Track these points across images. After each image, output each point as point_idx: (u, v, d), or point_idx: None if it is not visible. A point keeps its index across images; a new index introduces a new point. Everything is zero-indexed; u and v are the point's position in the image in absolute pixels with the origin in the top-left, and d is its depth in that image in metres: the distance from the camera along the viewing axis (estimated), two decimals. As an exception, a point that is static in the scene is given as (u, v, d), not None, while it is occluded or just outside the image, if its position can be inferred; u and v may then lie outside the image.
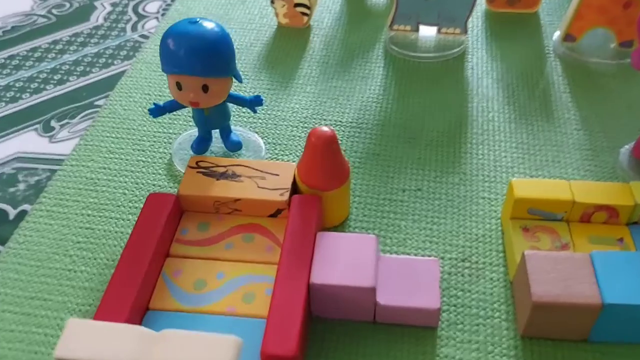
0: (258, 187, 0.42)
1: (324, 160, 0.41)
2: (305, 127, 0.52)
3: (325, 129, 0.40)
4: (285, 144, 0.51)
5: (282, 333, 0.33)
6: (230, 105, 0.48)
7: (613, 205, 0.40)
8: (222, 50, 0.43)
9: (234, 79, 0.45)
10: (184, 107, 0.46)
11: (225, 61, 0.43)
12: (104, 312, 0.35)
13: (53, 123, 0.56)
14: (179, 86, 0.43)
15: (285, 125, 0.53)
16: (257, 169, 0.43)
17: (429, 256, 0.42)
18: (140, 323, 0.36)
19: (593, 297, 0.34)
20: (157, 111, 0.47)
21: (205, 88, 0.43)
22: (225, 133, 0.49)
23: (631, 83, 0.55)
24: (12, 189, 0.48)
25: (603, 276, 0.35)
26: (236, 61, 0.45)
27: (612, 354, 0.36)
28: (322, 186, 0.41)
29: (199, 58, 0.42)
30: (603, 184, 0.41)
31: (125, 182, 0.48)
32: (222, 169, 0.43)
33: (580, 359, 0.36)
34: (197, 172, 0.43)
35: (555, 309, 0.34)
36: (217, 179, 0.43)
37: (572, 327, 0.36)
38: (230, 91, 0.46)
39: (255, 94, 0.53)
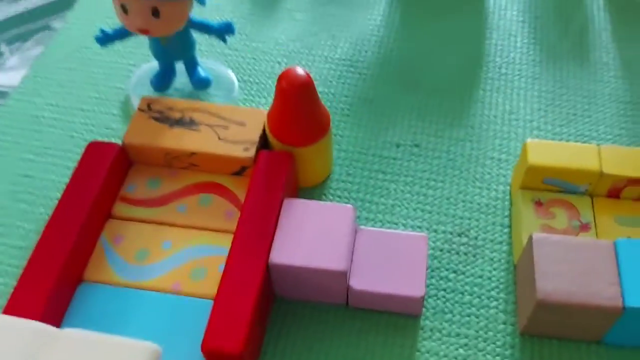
0: (219, 138, 0.35)
1: (297, 111, 0.33)
2: (289, 63, 0.44)
3: (299, 71, 0.33)
4: (264, 83, 0.43)
5: (229, 324, 0.28)
6: (196, 32, 0.40)
7: (651, 179, 0.32)
8: (175, -36, 0.34)
9: (194, 1, 0.37)
10: (136, 34, 0.38)
11: (180, -21, 0.35)
12: (26, 282, 0.30)
13: (3, 47, 0.49)
14: (124, 9, 0.35)
15: (266, 60, 0.45)
16: (219, 116, 0.36)
17: (419, 228, 0.35)
18: (71, 297, 0.31)
19: (612, 299, 0.28)
20: (105, 39, 0.39)
21: (155, 12, 0.35)
22: (191, 66, 0.41)
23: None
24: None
25: (627, 271, 0.28)
26: None
27: (628, 360, 0.30)
28: (295, 141, 0.34)
29: (148, -25, 0.34)
30: (640, 151, 0.33)
31: (74, 122, 0.41)
32: (177, 114, 0.36)
33: (590, 365, 0.30)
34: (149, 116, 0.36)
35: (564, 309, 0.28)
36: (171, 126, 0.36)
37: (583, 329, 0.30)
38: (193, 16, 0.38)
39: (232, 19, 0.44)
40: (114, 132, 0.41)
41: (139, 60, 0.45)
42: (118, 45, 0.45)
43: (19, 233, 0.36)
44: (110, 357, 0.22)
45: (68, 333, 0.23)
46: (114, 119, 0.41)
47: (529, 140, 0.34)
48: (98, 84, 0.43)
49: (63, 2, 0.52)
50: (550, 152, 0.33)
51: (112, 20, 0.48)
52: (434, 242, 0.35)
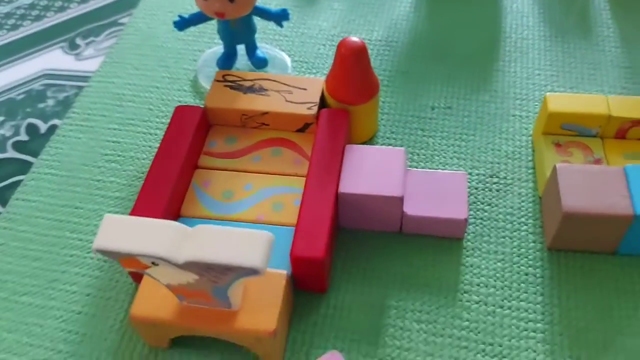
0: (286, 100, 0.42)
1: (353, 72, 0.40)
2: (333, 46, 0.51)
3: (355, 39, 0.39)
4: (312, 62, 0.50)
5: (311, 238, 0.34)
6: (256, 18, 0.47)
7: (651, 121, 0.39)
8: (248, -43, 0.41)
9: (259, -10, 0.44)
10: (210, 19, 0.45)
11: (252, -31, 0.42)
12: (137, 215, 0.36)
13: (78, 41, 0.56)
14: (204, -4, 0.42)
15: (312, 43, 0.51)
16: (284, 83, 0.43)
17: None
18: (171, 229, 0.37)
19: (625, 208, 0.34)
20: (183, 24, 0.46)
21: (231, -2, 0.42)
22: (251, 49, 0.48)
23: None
24: (41, 105, 0.49)
25: (636, 189, 0.35)
26: None
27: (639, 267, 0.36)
28: (351, 100, 0.41)
29: (225, -34, 0.40)
30: (641, 99, 0.40)
31: (151, 98, 0.48)
32: (249, 83, 0.43)
33: (608, 271, 0.36)
34: (224, 85, 0.43)
35: (585, 219, 0.34)
36: (244, 93, 0.42)
37: (600, 239, 0.36)
38: (257, 4, 0.45)
39: (284, 7, 0.51)
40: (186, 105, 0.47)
41: (202, 46, 0.51)
42: (183, 35, 0.52)
43: (114, 186, 0.42)
44: (238, 241, 0.28)
45: (201, 227, 0.29)
46: (185, 94, 0.48)
47: (548, 93, 0.40)
48: (169, 66, 0.50)
49: (129, 1, 0.59)
50: (566, 101, 0.40)
51: (173, 15, 0.55)
52: (470, 182, 0.41)
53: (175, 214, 0.38)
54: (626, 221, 0.34)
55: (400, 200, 0.36)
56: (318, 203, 0.35)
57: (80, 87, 0.51)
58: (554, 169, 0.36)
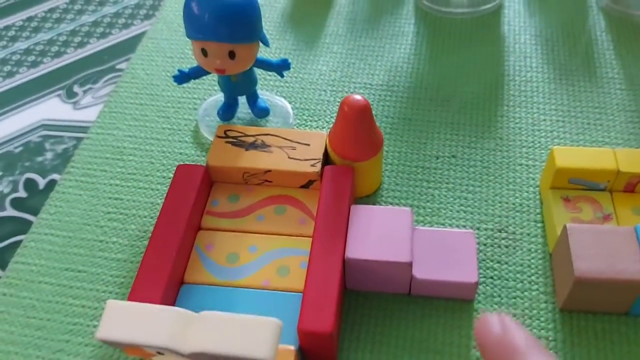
0: (289, 157, 0.41)
1: (357, 130, 0.39)
2: (334, 91, 0.51)
3: (357, 97, 0.39)
4: (314, 109, 0.49)
5: (319, 309, 0.33)
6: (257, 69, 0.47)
7: (660, 174, 0.38)
8: (249, 13, 0.41)
9: (260, 43, 0.43)
10: (210, 73, 0.44)
11: (253, 25, 0.41)
12: (141, 287, 0.35)
13: (76, 88, 0.55)
14: (204, 52, 0.42)
15: (313, 89, 0.51)
16: (287, 139, 0.42)
17: (464, 226, 0.41)
18: (176, 297, 0.36)
19: (637, 273, 0.33)
20: (182, 78, 0.45)
21: (232, 54, 0.41)
22: (252, 99, 0.48)
23: (680, 37, 0.52)
24: (40, 158, 0.48)
25: (649, 251, 0.34)
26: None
27: (654, 328, 0.35)
28: (355, 157, 0.40)
29: (225, 23, 0.40)
30: (650, 151, 0.39)
31: (152, 151, 0.47)
32: (251, 139, 0.42)
33: (621, 333, 0.35)
34: (226, 141, 0.42)
35: (597, 284, 0.34)
36: (247, 149, 0.42)
37: (613, 302, 0.35)
38: (257, 55, 0.44)
39: (281, 56, 0.51)
40: (188, 157, 0.47)
41: (202, 94, 0.51)
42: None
43: (116, 247, 0.42)
44: (244, 330, 0.27)
45: (204, 314, 0.28)
46: (187, 146, 0.47)
47: (555, 147, 0.40)
48: (169, 117, 0.50)
49: (126, 46, 0.59)
50: (573, 156, 0.39)
51: (172, 60, 0.54)
52: (478, 237, 0.40)
53: (179, 281, 0.37)
54: (638, 286, 0.33)
55: (409, 265, 0.35)
56: (325, 270, 0.35)
57: (78, 139, 0.50)
58: (564, 230, 0.36)
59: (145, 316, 0.28)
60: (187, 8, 0.41)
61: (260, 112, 0.48)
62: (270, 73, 0.51)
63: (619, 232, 0.35)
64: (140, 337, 0.27)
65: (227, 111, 0.47)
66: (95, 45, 0.59)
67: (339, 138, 0.40)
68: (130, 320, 0.28)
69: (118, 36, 0.60)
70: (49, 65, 0.58)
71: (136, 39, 0.58)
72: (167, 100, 0.51)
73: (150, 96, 0.51)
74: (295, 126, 0.48)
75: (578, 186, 0.40)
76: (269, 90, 0.51)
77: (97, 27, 0.61)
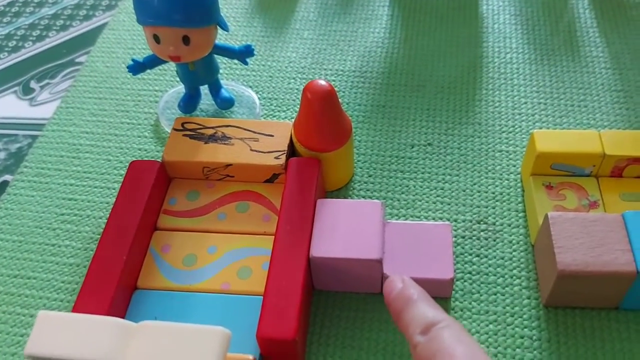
0: (251, 150, 0.38)
1: (322, 119, 0.36)
2: (304, 79, 0.48)
3: (322, 82, 0.36)
4: (282, 99, 0.46)
5: (280, 314, 0.30)
6: (218, 57, 0.44)
7: (649, 157, 0.35)
8: (201, -5, 0.38)
9: (218, 28, 0.40)
10: (166, 62, 0.41)
11: (207, 8, 0.38)
12: (87, 294, 0.32)
13: (33, 84, 0.52)
14: (156, 39, 0.39)
15: (282, 77, 0.48)
16: (249, 130, 0.39)
17: (440, 219, 0.38)
18: (127, 304, 0.34)
19: (626, 265, 0.30)
20: (137, 68, 0.42)
21: (186, 40, 0.38)
22: (215, 88, 0.45)
23: (668, 13, 0.49)
24: (-8, 159, 0.45)
25: (637, 239, 0.31)
26: (220, 6, 0.40)
27: (645, 322, 0.33)
28: (321, 147, 0.37)
29: (177, 6, 0.37)
30: (637, 133, 0.37)
31: (109, 148, 0.44)
32: (210, 131, 0.39)
33: (612, 329, 0.33)
34: (183, 135, 0.39)
35: (583, 278, 0.31)
36: (205, 143, 0.39)
37: (601, 296, 0.32)
38: (216, 41, 0.41)
39: (247, 43, 0.48)
40: (147, 153, 0.44)
41: (163, 86, 0.48)
42: (143, 74, 0.48)
43: (69, 251, 0.39)
44: (187, 341, 0.24)
45: (145, 324, 0.25)
46: (147, 141, 0.44)
47: (535, 130, 0.37)
48: (128, 111, 0.46)
49: (87, 38, 0.56)
50: (555, 139, 0.36)
51: (133, 52, 0.51)
52: (455, 230, 0.37)
53: (131, 287, 0.34)
54: (628, 278, 0.31)
55: (379, 262, 0.33)
56: (287, 271, 0.32)
57: (34, 137, 0.47)
58: (546, 219, 0.33)
59: (81, 328, 0.25)
60: (136, -8, 0.38)
61: (224, 103, 0.45)
62: (235, 61, 0.48)
63: (605, 220, 0.32)
64: (74, 352, 0.25)
65: (189, 103, 0.45)
66: (55, 39, 0.56)
67: (303, 128, 0.37)
68: (63, 333, 0.25)
69: (78, 28, 0.57)
70: (6, 60, 0.54)
71: (97, 31, 0.55)
72: (126, 94, 0.48)
73: (110, 90, 0.48)
74: (263, 117, 0.45)
75: (561, 172, 0.37)
76: (235, 80, 0.48)
77: (57, 19, 0.58)
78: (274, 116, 0.45)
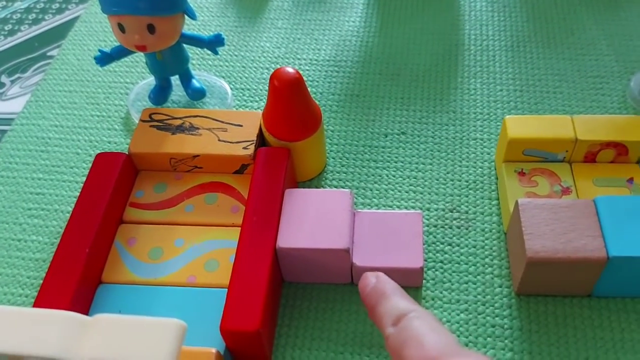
0: (219, 140, 0.37)
1: (290, 107, 0.36)
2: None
3: (289, 69, 0.35)
4: (255, 89, 0.46)
5: (244, 306, 0.30)
6: (190, 47, 0.43)
7: (621, 141, 0.35)
8: (165, -18, 0.37)
9: (186, 16, 0.39)
10: (134, 52, 0.40)
11: (172, -5, 0.37)
12: (49, 289, 0.31)
13: (3, 79, 0.51)
14: (121, 28, 0.38)
15: (255, 68, 0.47)
16: (217, 120, 0.38)
17: (413, 208, 0.37)
18: (92, 298, 0.33)
19: (597, 250, 0.30)
20: (104, 59, 0.41)
21: (151, 28, 0.37)
22: (186, 79, 0.44)
23: (646, -3, 0.49)
24: (-40, 155, 0.44)
25: (608, 225, 0.31)
26: None
27: (619, 310, 0.32)
28: (290, 136, 0.36)
29: (139, -7, 0.36)
30: (610, 117, 0.36)
31: (79, 141, 0.43)
32: (177, 122, 0.39)
33: (584, 317, 0.32)
34: (150, 126, 0.39)
35: (553, 265, 0.30)
36: (173, 133, 0.38)
37: (573, 283, 0.32)
38: (185, 30, 0.40)
39: (218, 32, 0.47)
40: (117, 146, 0.43)
41: (135, 78, 0.47)
42: (114, 66, 0.48)
43: (35, 246, 0.38)
44: (141, 334, 0.23)
45: (99, 318, 0.24)
46: (117, 134, 0.44)
47: (507, 117, 0.36)
48: (99, 103, 0.46)
49: (57, 32, 0.55)
50: (527, 125, 0.36)
51: (105, 44, 0.50)
52: (428, 219, 0.37)
53: (95, 281, 0.33)
54: (599, 264, 0.30)
55: (346, 252, 0.32)
56: (253, 262, 0.31)
57: (3, 132, 0.46)
58: (516, 205, 0.32)
59: (32, 322, 0.24)
60: (99, -20, 0.37)
61: (195, 94, 0.44)
62: (208, 51, 0.47)
63: (576, 206, 0.32)
64: (25, 347, 0.24)
65: (159, 94, 0.44)
66: (27, 33, 0.55)
67: (271, 116, 0.37)
68: (13, 328, 0.24)
69: (51, 22, 0.56)
70: (-23, 55, 0.53)
71: (70, 24, 0.54)
72: (97, 86, 0.47)
73: (80, 82, 0.47)
74: (235, 107, 0.44)
75: (534, 158, 0.36)
76: (207, 70, 0.47)
77: (29, 13, 0.57)
78: (247, 106, 0.44)
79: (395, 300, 0.25)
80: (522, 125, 0.36)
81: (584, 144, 0.35)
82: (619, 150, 0.35)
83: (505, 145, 0.36)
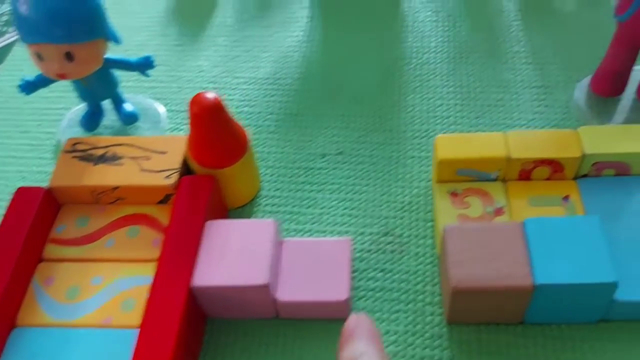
0: (141, 170, 0.36)
1: (211, 133, 0.34)
2: (215, 88, 0.45)
3: (208, 95, 0.34)
4: (191, 111, 0.44)
5: (154, 347, 0.28)
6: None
7: (556, 159, 0.33)
8: (81, 7, 0.35)
9: (110, 41, 0.38)
10: (57, 80, 0.39)
11: (89, 21, 0.36)
12: (-45, 337, 0.30)
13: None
14: (39, 57, 0.36)
15: (191, 88, 0.46)
16: (141, 148, 0.37)
17: (346, 233, 0.36)
18: (4, 343, 0.31)
19: (523, 278, 0.29)
20: (28, 87, 0.40)
21: (69, 56, 0.36)
22: (117, 103, 0.42)
23: (592, 4, 0.47)
24: None
25: (536, 249, 0.29)
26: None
27: (554, 337, 0.31)
28: (215, 163, 0.35)
29: (55, 21, 0.35)
30: (545, 133, 0.35)
31: (7, 172, 0.42)
32: (100, 151, 0.37)
33: (519, 345, 0.31)
34: (73, 157, 0.37)
35: (480, 293, 0.29)
36: (95, 164, 0.36)
37: (504, 311, 0.30)
38: (110, 55, 0.39)
39: (158, 52, 0.46)
40: (46, 177, 0.41)
41: (69, 104, 0.46)
42: (47, 92, 0.46)
43: (-43, 287, 0.36)
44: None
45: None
46: (47, 163, 0.42)
47: (439, 136, 0.35)
48: (30, 131, 0.44)
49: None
50: (458, 145, 0.34)
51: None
52: (361, 244, 0.35)
53: (9, 324, 0.32)
54: (526, 292, 0.29)
55: (266, 287, 0.30)
56: (166, 302, 0.30)
57: None
58: (443, 232, 0.31)
59: None
60: (13, 9, 0.35)
61: (127, 118, 0.42)
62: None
63: (503, 230, 0.30)
64: None
65: (90, 120, 0.42)
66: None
67: (194, 143, 0.35)
68: None
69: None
70: None
71: (7, 49, 0.52)
72: (29, 113, 0.45)
73: (13, 110, 0.46)
74: (168, 131, 0.43)
75: (467, 177, 0.35)
76: (143, 92, 0.46)
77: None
78: (181, 129, 0.43)
79: (357, 343, 0.24)
80: (454, 145, 0.34)
81: (516, 162, 0.34)
82: (554, 168, 0.34)
83: (437, 166, 0.34)
